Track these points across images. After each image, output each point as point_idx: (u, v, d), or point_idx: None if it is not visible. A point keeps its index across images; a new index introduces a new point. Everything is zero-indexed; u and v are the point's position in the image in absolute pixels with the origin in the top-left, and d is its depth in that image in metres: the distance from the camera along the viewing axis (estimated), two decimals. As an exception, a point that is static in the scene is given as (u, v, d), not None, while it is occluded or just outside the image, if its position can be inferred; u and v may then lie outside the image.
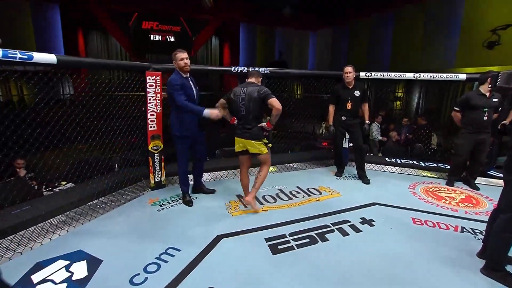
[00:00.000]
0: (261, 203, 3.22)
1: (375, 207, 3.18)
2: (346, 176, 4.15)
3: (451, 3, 9.75)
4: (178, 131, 2.98)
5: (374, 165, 4.57)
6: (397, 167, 4.57)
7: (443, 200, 3.39)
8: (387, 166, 4.60)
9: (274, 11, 12.65)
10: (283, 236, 2.54)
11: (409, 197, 3.49)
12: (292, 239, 2.48)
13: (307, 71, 4.17)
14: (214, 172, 4.02)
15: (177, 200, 3.24)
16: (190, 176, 3.39)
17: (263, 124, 2.87)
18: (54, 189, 3.47)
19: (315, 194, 3.47)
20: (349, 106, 3.85)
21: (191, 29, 12.25)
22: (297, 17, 13.16)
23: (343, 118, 3.91)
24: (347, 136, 4.20)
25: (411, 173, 4.39)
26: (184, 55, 2.90)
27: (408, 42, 10.87)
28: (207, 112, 2.78)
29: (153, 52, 11.81)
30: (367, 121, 3.97)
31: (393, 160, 4.88)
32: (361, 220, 2.86)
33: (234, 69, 3.60)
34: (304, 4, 12.18)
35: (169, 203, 3.17)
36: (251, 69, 3.44)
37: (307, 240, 2.48)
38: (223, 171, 4.06)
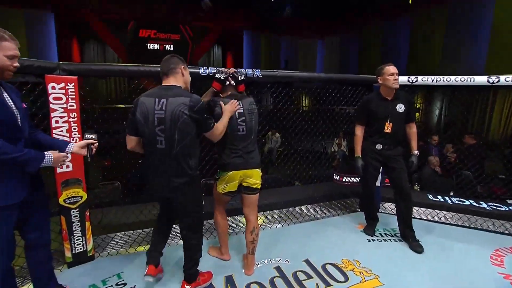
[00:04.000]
0: (241, 307, 1.70)
1: (451, 319, 1.62)
2: (381, 234, 2.58)
3: (477, 3, 8.17)
4: None
5: (415, 208, 3.00)
6: (448, 213, 3.00)
7: None
8: (433, 211, 3.03)
9: (279, 19, 11.28)
10: None
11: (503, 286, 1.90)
12: None
13: (322, 75, 2.66)
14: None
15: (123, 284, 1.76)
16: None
17: None
18: None
19: (337, 282, 1.92)
20: (388, 128, 2.32)
21: (191, 37, 10.98)
22: (303, 25, 11.77)
23: (379, 146, 2.38)
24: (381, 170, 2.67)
25: (478, 226, 2.77)
26: (10, 45, 1.30)
27: (427, 47, 9.26)
28: (50, 157, 1.39)
29: (151, 62, 10.51)
30: (416, 151, 2.43)
31: (440, 198, 3.31)
32: None
33: (203, 70, 2.14)
34: (311, 11, 10.79)
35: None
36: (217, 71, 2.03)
37: None
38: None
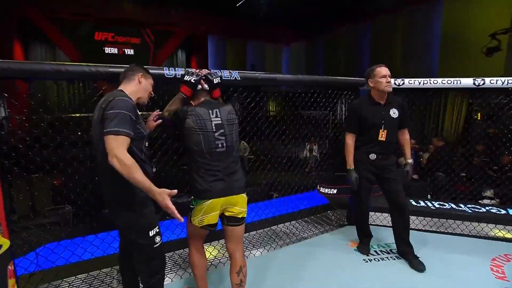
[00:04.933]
0: None
1: None
2: (376, 252, 2.31)
3: (428, 11, 8.64)
4: None
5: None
6: (432, 218, 2.87)
7: None
8: (423, 219, 2.88)
9: (245, 23, 11.00)
10: None
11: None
12: None
13: (306, 77, 2.31)
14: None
15: None
16: None
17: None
18: None
19: (344, 325, 1.58)
20: (382, 135, 2.06)
21: (152, 41, 10.22)
22: (269, 30, 11.64)
23: (373, 156, 2.10)
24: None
25: (468, 233, 2.62)
26: None
27: (387, 51, 9.61)
28: None
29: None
30: (410, 160, 2.21)
31: (422, 203, 3.19)
32: None
33: (168, 72, 1.69)
34: (277, 17, 10.68)
35: None
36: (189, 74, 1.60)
37: None
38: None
